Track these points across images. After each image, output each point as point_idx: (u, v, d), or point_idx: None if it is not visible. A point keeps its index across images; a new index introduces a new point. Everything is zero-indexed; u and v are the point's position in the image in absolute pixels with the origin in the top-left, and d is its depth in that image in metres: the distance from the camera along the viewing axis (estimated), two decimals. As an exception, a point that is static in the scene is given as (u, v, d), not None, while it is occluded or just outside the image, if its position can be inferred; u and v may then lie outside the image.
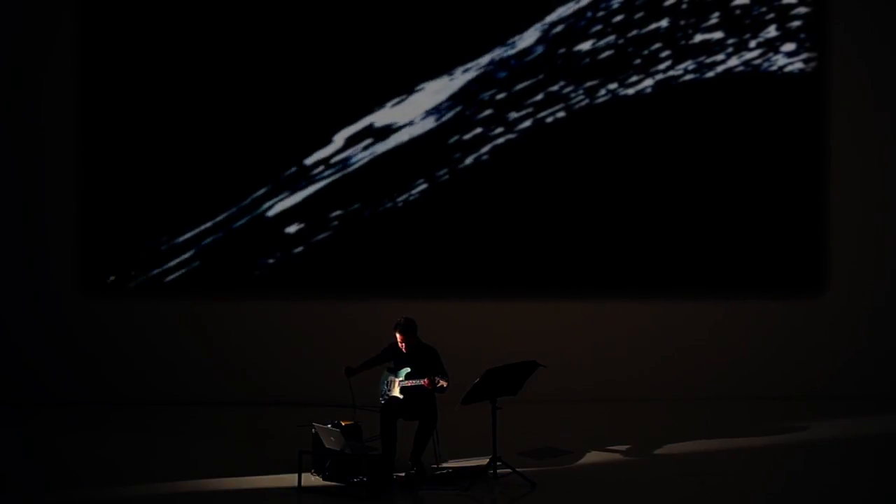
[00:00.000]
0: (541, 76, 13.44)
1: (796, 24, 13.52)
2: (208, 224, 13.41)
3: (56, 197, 13.39)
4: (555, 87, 13.46)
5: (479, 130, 13.46)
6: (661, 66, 13.47)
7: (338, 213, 13.44)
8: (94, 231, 13.40)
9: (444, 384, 10.11)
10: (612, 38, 13.46)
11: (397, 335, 10.38)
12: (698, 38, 13.48)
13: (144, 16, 13.33)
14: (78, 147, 13.36)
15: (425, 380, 10.16)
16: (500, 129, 13.46)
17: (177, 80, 13.36)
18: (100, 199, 13.39)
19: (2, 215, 13.38)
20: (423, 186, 13.45)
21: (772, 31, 13.49)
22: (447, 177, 13.45)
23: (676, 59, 13.46)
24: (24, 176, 13.38)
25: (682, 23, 13.47)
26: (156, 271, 13.41)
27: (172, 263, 13.41)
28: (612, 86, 13.48)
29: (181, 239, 13.41)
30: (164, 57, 13.35)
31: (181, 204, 13.39)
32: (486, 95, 13.43)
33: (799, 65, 13.51)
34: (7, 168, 13.37)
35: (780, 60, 13.50)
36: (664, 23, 13.46)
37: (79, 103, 13.34)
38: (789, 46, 13.51)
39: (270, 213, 13.44)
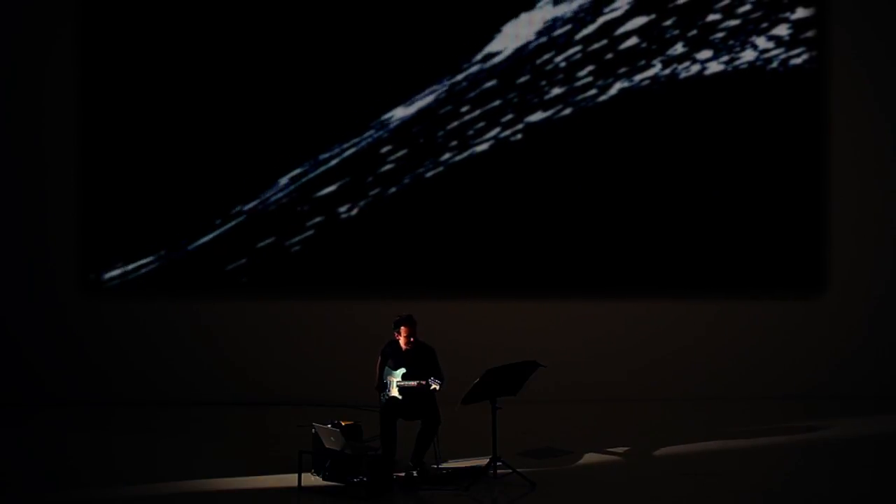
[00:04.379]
0: (530, 78, 13.49)
1: (797, 23, 13.52)
2: (209, 224, 13.42)
3: (56, 197, 13.40)
4: (551, 89, 13.49)
5: (475, 131, 13.49)
6: (663, 63, 13.48)
7: (338, 212, 13.45)
8: (94, 231, 13.40)
9: (436, 387, 10.14)
10: (620, 30, 13.51)
11: (402, 330, 10.39)
12: (700, 34, 13.51)
13: (144, 15, 13.33)
14: (78, 147, 13.36)
15: (416, 382, 10.20)
16: (497, 130, 13.49)
17: (177, 80, 13.36)
18: (100, 199, 13.39)
19: (2, 215, 13.38)
20: (421, 186, 13.46)
21: (773, 30, 13.50)
22: (445, 177, 13.46)
23: (690, 52, 13.46)
24: (25, 176, 13.39)
25: (684, 19, 13.51)
26: (157, 270, 13.41)
27: (173, 263, 13.42)
28: (624, 79, 13.50)
29: (182, 238, 13.42)
30: (163, 57, 13.35)
31: (182, 203, 13.40)
32: (477, 94, 13.47)
33: (800, 63, 13.51)
34: (7, 168, 13.37)
35: (781, 59, 13.51)
36: (672, 20, 13.51)
37: (79, 104, 13.34)
38: (790, 45, 13.52)
39: (271, 212, 13.45)
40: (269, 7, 13.38)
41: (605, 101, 13.50)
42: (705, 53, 13.48)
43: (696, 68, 13.49)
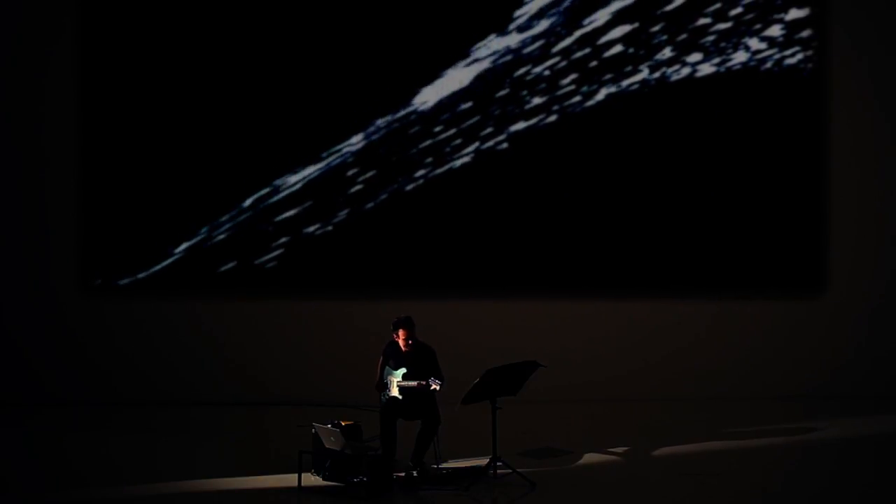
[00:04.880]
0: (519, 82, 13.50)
1: (797, 22, 13.52)
2: (209, 223, 13.42)
3: (56, 197, 13.40)
4: (547, 90, 13.50)
5: (467, 138, 13.52)
6: (662, 63, 13.48)
7: (338, 212, 13.46)
8: (94, 231, 13.41)
9: (436, 387, 10.14)
10: (610, 33, 13.51)
11: (400, 332, 10.39)
12: (699, 33, 13.51)
13: (145, 16, 13.34)
14: (78, 147, 13.36)
15: (416, 383, 10.20)
16: (493, 131, 13.49)
17: (177, 80, 13.37)
18: (100, 199, 13.40)
19: (2, 215, 13.39)
20: (422, 185, 13.47)
21: (774, 30, 13.50)
22: (445, 177, 13.46)
23: (679, 56, 13.47)
24: (25, 176, 13.39)
25: (684, 18, 13.51)
26: (157, 270, 13.41)
27: (173, 263, 13.42)
28: (610, 84, 13.50)
29: (182, 238, 13.42)
30: (163, 58, 13.35)
31: (182, 203, 13.40)
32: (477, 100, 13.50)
33: (795, 63, 13.51)
34: (7, 168, 13.38)
35: (781, 58, 13.50)
36: (661, 23, 13.51)
37: (79, 104, 13.34)
38: (785, 45, 13.52)
39: (271, 212, 13.45)
40: (270, 9, 13.38)
41: (603, 102, 13.49)
42: (699, 56, 13.47)
43: (693, 71, 13.48)
